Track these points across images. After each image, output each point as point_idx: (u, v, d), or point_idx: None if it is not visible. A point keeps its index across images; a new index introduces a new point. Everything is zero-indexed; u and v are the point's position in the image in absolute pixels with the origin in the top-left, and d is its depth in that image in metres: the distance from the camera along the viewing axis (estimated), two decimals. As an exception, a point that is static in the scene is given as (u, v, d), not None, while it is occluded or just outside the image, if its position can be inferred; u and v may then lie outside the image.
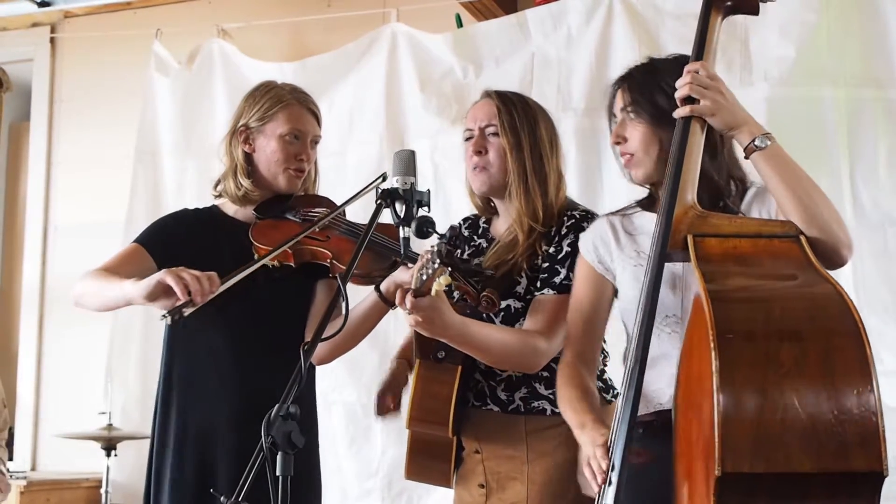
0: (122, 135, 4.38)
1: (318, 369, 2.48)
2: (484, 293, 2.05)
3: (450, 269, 1.89)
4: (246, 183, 2.37)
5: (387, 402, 2.37)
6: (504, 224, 2.29)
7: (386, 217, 1.94)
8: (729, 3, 1.86)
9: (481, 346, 2.08)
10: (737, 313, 1.41)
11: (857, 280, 3.02)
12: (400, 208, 1.90)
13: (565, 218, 2.20)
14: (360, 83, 3.96)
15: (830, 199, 1.71)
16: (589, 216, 2.19)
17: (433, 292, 1.88)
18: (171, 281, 2.00)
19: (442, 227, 2.01)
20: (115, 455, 3.88)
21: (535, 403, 2.18)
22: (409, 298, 1.91)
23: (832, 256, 1.65)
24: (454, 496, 2.31)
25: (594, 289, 2.00)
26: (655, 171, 1.91)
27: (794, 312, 1.42)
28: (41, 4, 4.55)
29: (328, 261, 2.28)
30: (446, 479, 2.29)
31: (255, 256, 2.28)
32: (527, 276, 2.20)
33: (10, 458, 4.24)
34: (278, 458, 1.56)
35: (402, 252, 1.95)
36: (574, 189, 2.81)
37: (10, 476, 3.68)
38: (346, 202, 2.15)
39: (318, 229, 2.25)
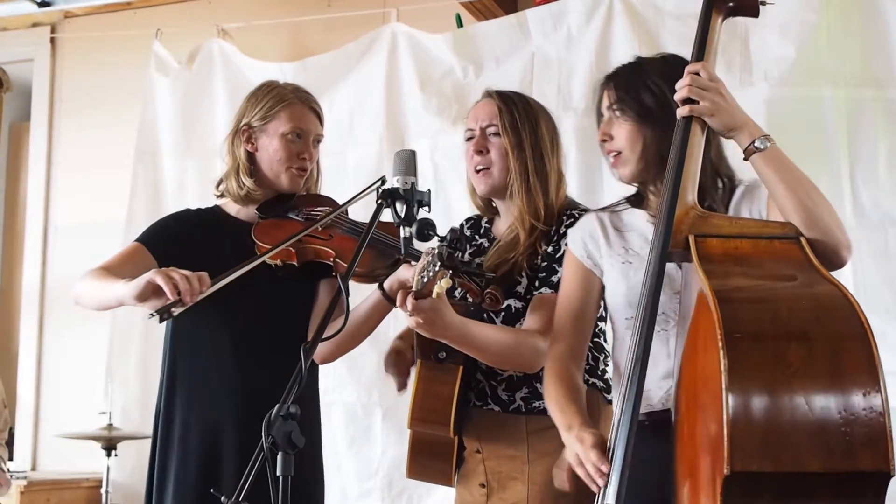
0: (122, 135, 4.38)
1: (318, 369, 2.48)
2: (488, 290, 2.05)
3: (451, 271, 1.89)
4: (248, 182, 2.37)
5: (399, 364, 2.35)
6: (505, 223, 2.29)
7: (387, 216, 1.94)
8: (730, 4, 1.86)
9: (482, 346, 2.08)
10: (743, 313, 1.41)
11: (857, 280, 3.03)
12: (400, 208, 1.90)
13: (565, 217, 2.21)
14: (361, 83, 3.96)
15: (830, 199, 1.72)
16: (588, 215, 2.19)
17: (434, 294, 1.89)
18: (160, 281, 2.00)
19: (442, 227, 2.01)
20: (116, 455, 3.88)
21: (536, 403, 2.18)
22: (409, 300, 1.91)
23: (832, 258, 1.65)
24: (455, 496, 2.31)
25: (582, 284, 2.00)
26: (642, 170, 1.92)
27: (801, 313, 1.42)
28: (41, 4, 4.55)
29: (331, 260, 2.28)
30: (447, 478, 2.30)
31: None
32: (527, 275, 2.20)
33: (11, 458, 4.25)
34: (279, 457, 1.56)
35: (403, 251, 1.95)
36: (574, 189, 2.82)
37: (11, 476, 3.68)
38: (347, 203, 2.15)
39: (320, 228, 2.25)
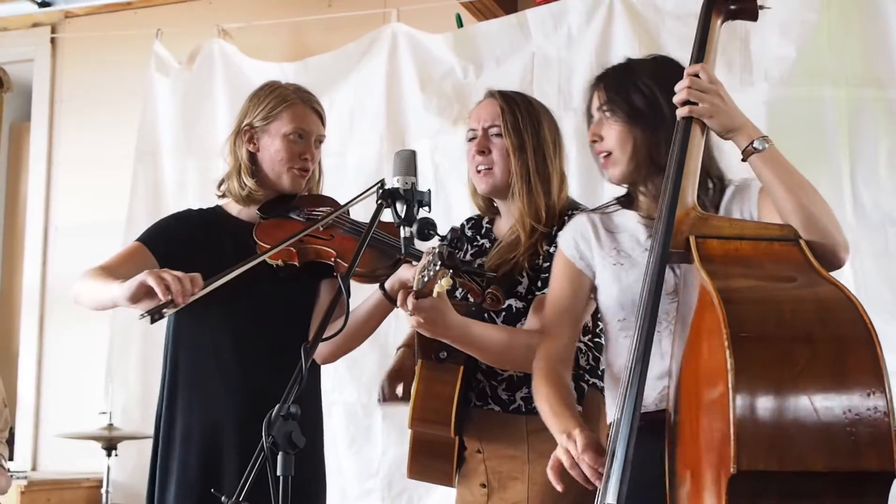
0: (122, 135, 4.38)
1: (320, 369, 2.48)
2: (489, 290, 2.05)
3: (451, 270, 1.89)
4: (250, 182, 2.37)
5: (395, 390, 2.35)
6: (506, 224, 2.29)
7: (388, 217, 1.94)
8: (731, 7, 1.86)
9: (482, 346, 2.08)
10: (748, 313, 1.42)
11: (857, 280, 3.03)
12: (401, 208, 1.90)
13: (566, 217, 2.20)
14: (361, 83, 3.96)
15: (831, 199, 1.72)
16: (589, 215, 2.19)
17: (434, 294, 1.89)
18: (151, 281, 2.00)
19: (443, 227, 2.01)
20: (116, 455, 3.88)
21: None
22: (410, 300, 1.91)
23: (830, 259, 1.65)
24: (456, 495, 2.31)
25: (571, 284, 2.00)
26: (633, 171, 1.92)
27: (805, 315, 1.43)
28: (42, 4, 4.55)
29: (332, 260, 2.28)
30: (448, 478, 2.30)
31: (259, 256, 2.28)
32: (528, 275, 2.20)
33: (11, 458, 4.24)
34: (279, 457, 1.56)
35: (403, 251, 1.95)
36: (575, 189, 2.81)
37: (12, 476, 3.68)
38: (348, 204, 2.15)
39: (321, 228, 2.25)
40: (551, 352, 1.95)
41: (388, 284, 2.19)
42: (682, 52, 1.98)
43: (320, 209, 2.39)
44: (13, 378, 4.65)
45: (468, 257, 2.33)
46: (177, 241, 2.38)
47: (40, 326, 4.68)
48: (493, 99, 2.29)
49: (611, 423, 1.90)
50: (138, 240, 2.39)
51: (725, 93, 1.76)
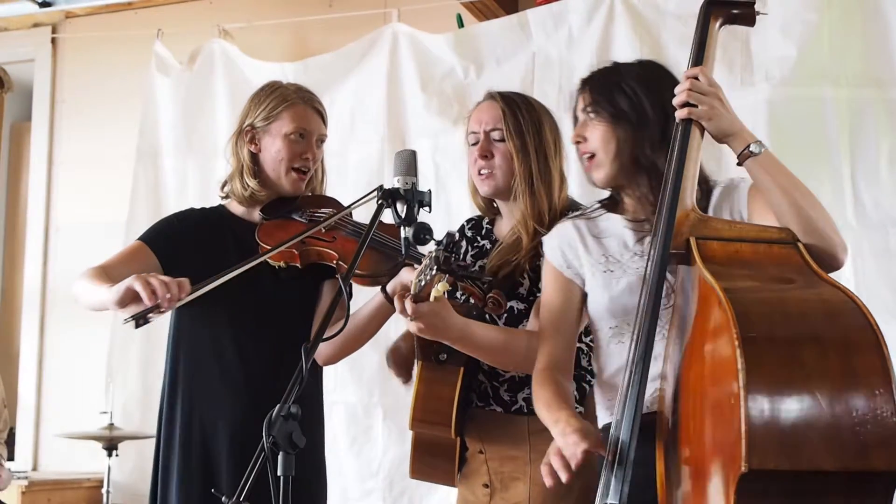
0: (123, 135, 4.38)
1: (322, 370, 2.48)
2: (490, 294, 2.05)
3: (447, 274, 1.89)
4: (252, 183, 2.37)
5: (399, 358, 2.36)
6: (507, 225, 2.29)
7: (388, 217, 1.93)
8: (731, 11, 1.86)
9: (483, 347, 2.08)
10: (756, 314, 1.42)
11: (858, 280, 3.03)
12: (401, 208, 1.90)
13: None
14: (362, 83, 3.96)
15: (832, 199, 1.73)
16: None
17: (432, 298, 1.88)
18: (138, 286, 2.00)
19: (443, 227, 2.00)
20: (117, 455, 3.88)
21: (538, 404, 2.18)
22: (409, 304, 1.90)
23: (829, 260, 1.66)
24: (458, 496, 2.31)
25: (562, 293, 1.98)
26: (616, 173, 1.92)
27: (811, 316, 1.44)
28: (42, 5, 4.55)
29: (334, 261, 2.28)
30: (450, 478, 2.30)
31: (260, 257, 2.28)
32: (529, 277, 2.20)
33: (11, 458, 4.25)
34: (280, 457, 1.56)
35: (403, 252, 1.94)
36: (575, 189, 2.81)
37: (13, 476, 3.69)
38: (350, 206, 2.14)
39: (323, 230, 2.25)
40: (547, 363, 1.94)
41: (389, 287, 2.19)
42: (682, 53, 1.98)
43: (323, 210, 2.39)
44: (14, 378, 4.66)
45: (468, 258, 2.33)
46: (179, 240, 2.38)
47: (41, 326, 4.68)
48: (494, 101, 2.28)
49: (602, 428, 1.91)
50: (140, 239, 2.39)
51: (724, 96, 1.76)
